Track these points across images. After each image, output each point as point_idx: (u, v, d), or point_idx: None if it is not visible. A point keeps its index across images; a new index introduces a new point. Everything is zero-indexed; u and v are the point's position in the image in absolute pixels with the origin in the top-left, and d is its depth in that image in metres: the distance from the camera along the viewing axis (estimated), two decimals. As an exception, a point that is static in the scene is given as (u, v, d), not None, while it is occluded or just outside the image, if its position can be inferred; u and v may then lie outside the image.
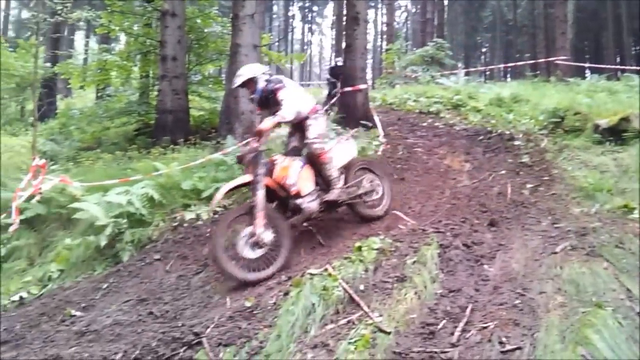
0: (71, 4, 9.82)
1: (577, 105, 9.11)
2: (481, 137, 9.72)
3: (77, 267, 5.43)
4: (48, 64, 15.01)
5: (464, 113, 11.91)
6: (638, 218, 4.82)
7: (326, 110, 11.89)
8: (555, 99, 10.38)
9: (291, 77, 31.16)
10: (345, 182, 5.39)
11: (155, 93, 11.44)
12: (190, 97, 11.04)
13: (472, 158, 8.55)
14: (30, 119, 14.13)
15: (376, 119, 10.89)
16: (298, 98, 5.19)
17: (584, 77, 18.30)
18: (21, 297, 5.17)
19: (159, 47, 10.51)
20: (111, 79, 12.72)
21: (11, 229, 6.00)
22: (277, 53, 13.98)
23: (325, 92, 16.41)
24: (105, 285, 4.94)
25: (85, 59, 24.22)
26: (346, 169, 5.51)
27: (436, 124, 11.60)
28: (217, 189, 6.22)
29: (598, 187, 5.89)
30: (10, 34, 31.73)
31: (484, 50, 50.95)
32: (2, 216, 6.19)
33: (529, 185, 6.58)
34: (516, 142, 8.58)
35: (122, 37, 19.44)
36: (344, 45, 11.91)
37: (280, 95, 5.01)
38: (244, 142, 7.74)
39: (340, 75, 14.44)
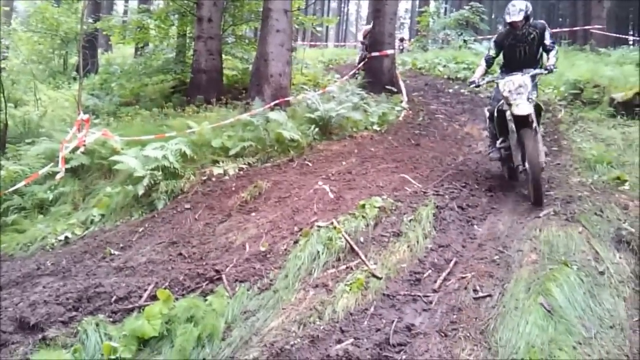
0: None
1: (598, 77, 9.25)
2: (502, 105, 9.98)
3: (116, 213, 6.10)
4: (90, 20, 15.63)
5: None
6: (628, 189, 5.18)
7: (353, 75, 12.21)
8: (581, 70, 10.48)
9: (326, 38, 31.20)
10: None
11: (191, 52, 11.96)
12: (224, 57, 11.50)
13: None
14: (74, 73, 14.89)
15: (401, 84, 11.23)
16: None
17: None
18: (66, 237, 5.85)
19: (195, 8, 10.95)
20: (150, 37, 13.26)
21: (58, 176, 6.68)
22: (309, 17, 14.26)
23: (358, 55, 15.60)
24: (141, 229, 5.59)
25: (125, 13, 24.89)
26: None
27: (462, 90, 11.85)
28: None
29: (600, 159, 6.20)
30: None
31: (525, 13, 49.25)
32: (49, 165, 6.87)
33: (536, 155, 6.92)
34: (535, 112, 8.84)
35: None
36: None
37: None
38: (272, 103, 8.25)
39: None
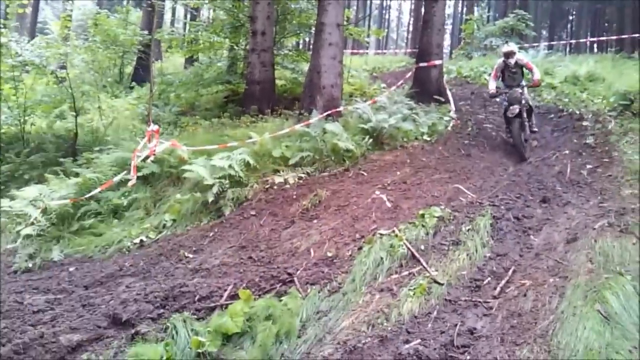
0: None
1: (648, 88, 9.23)
2: (552, 116, 10.08)
3: (187, 218, 6.53)
4: (145, 32, 16.36)
5: (539, 90, 12.08)
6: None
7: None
8: (631, 80, 10.44)
9: (367, 46, 31.49)
10: None
11: (243, 64, 12.44)
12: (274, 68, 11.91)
13: (540, 136, 8.98)
14: (133, 83, 15.63)
15: (449, 94, 11.40)
16: None
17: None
18: (142, 240, 6.31)
19: (249, 21, 11.43)
20: (204, 49, 13.82)
21: (130, 183, 7.20)
22: (357, 29, 14.61)
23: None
24: (211, 234, 6.01)
25: (172, 23, 25.79)
26: None
27: (509, 100, 11.87)
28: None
29: (652, 172, 6.29)
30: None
31: (570, 18, 48.21)
32: (122, 173, 7.38)
33: (588, 166, 7.05)
34: (584, 123, 8.91)
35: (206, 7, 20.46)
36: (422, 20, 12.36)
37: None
38: (325, 114, 8.60)
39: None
